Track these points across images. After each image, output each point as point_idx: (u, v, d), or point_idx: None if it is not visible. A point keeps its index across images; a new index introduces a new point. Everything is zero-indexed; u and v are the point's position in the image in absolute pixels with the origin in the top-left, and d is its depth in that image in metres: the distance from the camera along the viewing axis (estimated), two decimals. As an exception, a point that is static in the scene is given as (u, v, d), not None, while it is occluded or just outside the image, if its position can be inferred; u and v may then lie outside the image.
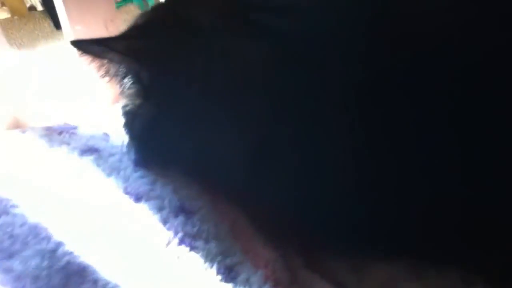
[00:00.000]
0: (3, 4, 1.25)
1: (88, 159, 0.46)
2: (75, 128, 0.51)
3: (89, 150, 0.47)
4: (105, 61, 0.42)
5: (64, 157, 0.46)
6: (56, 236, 0.39)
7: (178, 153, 0.45)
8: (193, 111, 0.42)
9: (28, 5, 1.26)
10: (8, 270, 0.36)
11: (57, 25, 1.41)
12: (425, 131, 0.38)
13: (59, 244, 0.38)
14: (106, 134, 0.50)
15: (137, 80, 0.43)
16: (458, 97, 0.37)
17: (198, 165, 0.45)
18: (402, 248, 0.43)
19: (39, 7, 1.25)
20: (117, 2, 1.79)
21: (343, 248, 0.44)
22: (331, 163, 0.39)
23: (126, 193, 0.43)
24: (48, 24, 1.17)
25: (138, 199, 0.42)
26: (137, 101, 0.44)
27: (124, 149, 0.46)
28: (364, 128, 0.38)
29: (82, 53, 0.41)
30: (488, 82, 0.37)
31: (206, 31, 0.40)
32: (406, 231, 0.40)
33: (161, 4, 0.47)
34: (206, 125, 0.42)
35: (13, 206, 0.41)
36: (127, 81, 0.43)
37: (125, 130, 0.46)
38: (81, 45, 0.41)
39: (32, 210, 0.41)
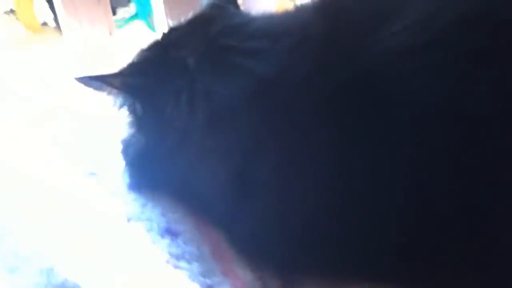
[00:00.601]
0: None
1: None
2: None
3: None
4: (105, 93, 0.47)
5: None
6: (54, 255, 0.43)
7: (165, 179, 0.48)
8: (179, 141, 0.45)
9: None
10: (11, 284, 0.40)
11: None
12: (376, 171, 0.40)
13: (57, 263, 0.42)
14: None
15: (132, 111, 0.47)
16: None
17: (183, 190, 0.48)
18: (377, 269, 0.46)
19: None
20: (117, 20, 1.83)
21: (319, 271, 0.47)
22: (304, 190, 0.42)
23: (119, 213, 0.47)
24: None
25: (129, 220, 0.46)
26: (131, 131, 0.48)
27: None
28: (330, 159, 0.41)
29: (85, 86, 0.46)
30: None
31: (192, 72, 0.44)
32: (384, 252, 0.43)
33: (156, 43, 0.51)
34: (190, 155, 0.45)
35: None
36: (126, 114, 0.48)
37: (122, 156, 0.50)
38: (84, 80, 0.45)
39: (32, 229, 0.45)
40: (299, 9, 0.51)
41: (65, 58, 0.77)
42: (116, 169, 0.52)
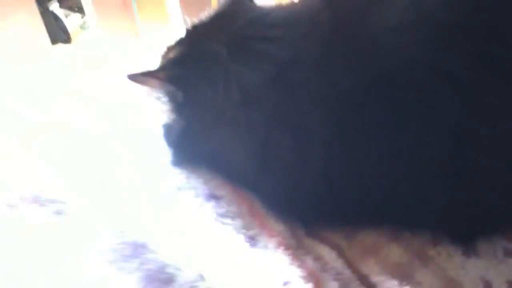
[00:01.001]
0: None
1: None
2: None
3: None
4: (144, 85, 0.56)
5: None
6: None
7: (203, 153, 0.58)
8: (215, 120, 0.55)
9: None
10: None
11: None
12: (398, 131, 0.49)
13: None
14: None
15: (173, 99, 0.57)
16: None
17: (219, 161, 0.58)
18: (382, 218, 0.55)
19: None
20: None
21: (335, 220, 0.57)
22: (317, 158, 0.51)
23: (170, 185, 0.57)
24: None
25: (178, 190, 0.56)
26: (172, 117, 0.58)
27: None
28: (342, 131, 0.51)
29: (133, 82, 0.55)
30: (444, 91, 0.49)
31: (225, 60, 0.53)
32: (384, 204, 0.52)
33: (187, 38, 0.60)
34: (224, 131, 0.55)
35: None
36: (164, 101, 0.57)
37: (164, 139, 0.60)
38: (134, 77, 0.55)
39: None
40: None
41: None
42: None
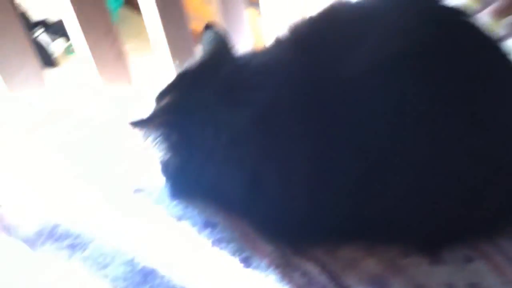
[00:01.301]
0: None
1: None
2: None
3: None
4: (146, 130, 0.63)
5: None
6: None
7: (198, 186, 0.65)
8: (207, 158, 0.62)
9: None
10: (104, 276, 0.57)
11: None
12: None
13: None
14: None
15: (168, 140, 0.64)
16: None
17: (212, 193, 0.65)
18: (359, 234, 0.63)
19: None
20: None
21: (318, 239, 0.65)
22: (299, 186, 0.59)
23: (171, 216, 0.64)
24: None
25: (179, 219, 0.64)
26: (168, 154, 0.65)
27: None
28: (319, 161, 0.58)
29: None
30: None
31: (213, 106, 0.61)
32: (360, 223, 0.60)
33: (175, 84, 0.66)
34: (216, 166, 0.62)
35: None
36: (159, 141, 0.64)
37: (162, 174, 0.67)
38: (135, 124, 0.62)
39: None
40: (280, 45, 0.66)
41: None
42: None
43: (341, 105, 0.57)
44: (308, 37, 0.64)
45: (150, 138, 0.63)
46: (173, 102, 0.63)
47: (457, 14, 0.64)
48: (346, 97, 0.57)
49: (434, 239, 0.63)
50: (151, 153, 0.66)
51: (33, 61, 0.70)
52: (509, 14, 0.86)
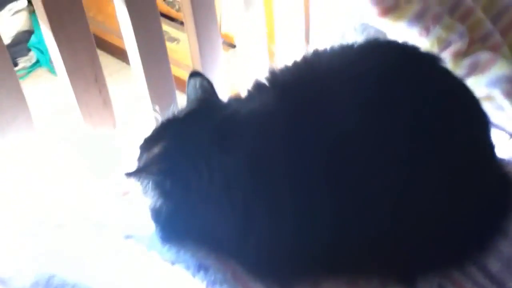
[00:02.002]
0: None
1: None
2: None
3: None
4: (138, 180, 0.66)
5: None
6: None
7: (189, 231, 0.69)
8: (200, 202, 0.65)
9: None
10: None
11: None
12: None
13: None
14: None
15: (161, 187, 0.67)
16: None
17: (203, 237, 0.69)
18: (341, 269, 0.68)
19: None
20: (19, 71, 1.94)
21: (304, 275, 0.69)
22: (285, 227, 0.63)
23: (164, 260, 0.67)
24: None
25: (173, 263, 0.67)
26: (159, 201, 0.68)
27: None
28: (306, 203, 0.62)
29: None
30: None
31: (207, 154, 0.64)
32: (341, 259, 0.65)
33: (162, 132, 0.69)
34: (208, 211, 0.66)
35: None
36: (151, 189, 0.67)
37: (152, 220, 0.70)
38: (132, 175, 0.65)
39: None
40: (262, 91, 0.71)
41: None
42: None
43: (322, 147, 0.62)
44: (290, 84, 0.69)
45: (142, 186, 0.66)
46: (166, 150, 0.67)
47: (432, 58, 0.72)
48: (326, 140, 0.63)
49: (409, 271, 0.68)
50: (139, 200, 0.69)
51: (26, 112, 0.73)
52: (467, 55, 0.94)
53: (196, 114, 0.70)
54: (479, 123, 0.72)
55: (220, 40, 1.01)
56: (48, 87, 1.96)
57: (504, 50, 0.97)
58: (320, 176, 0.62)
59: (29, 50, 2.02)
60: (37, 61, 2.03)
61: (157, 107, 0.80)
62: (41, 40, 1.96)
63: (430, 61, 0.72)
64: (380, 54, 0.70)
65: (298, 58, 0.73)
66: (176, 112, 0.72)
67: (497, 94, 0.87)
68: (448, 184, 0.64)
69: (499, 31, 0.99)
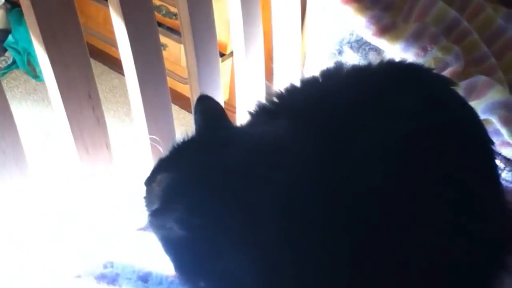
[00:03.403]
0: None
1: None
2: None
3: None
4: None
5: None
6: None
7: (209, 275, 0.60)
8: (223, 243, 0.58)
9: None
10: None
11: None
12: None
13: None
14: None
15: (184, 223, 0.58)
16: None
17: (223, 281, 0.60)
18: None
19: None
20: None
21: None
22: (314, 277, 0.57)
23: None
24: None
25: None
26: (181, 239, 0.59)
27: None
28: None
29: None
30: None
31: (231, 195, 0.57)
32: None
33: (174, 162, 0.63)
34: (230, 252, 0.57)
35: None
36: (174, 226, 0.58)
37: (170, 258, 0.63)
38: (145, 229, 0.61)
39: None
40: (275, 115, 0.65)
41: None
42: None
43: (357, 187, 0.57)
44: (305, 109, 0.64)
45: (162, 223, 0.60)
46: (187, 184, 0.59)
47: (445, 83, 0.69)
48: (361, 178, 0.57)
49: None
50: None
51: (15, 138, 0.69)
52: (463, 78, 0.94)
53: (209, 142, 0.63)
54: (489, 151, 0.70)
55: (218, 53, 0.98)
56: (25, 89, 1.89)
57: (499, 74, 0.98)
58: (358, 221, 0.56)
59: (5, 50, 1.94)
60: (14, 62, 1.95)
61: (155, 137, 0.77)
62: (19, 40, 1.89)
63: (443, 85, 0.71)
64: (401, 82, 0.67)
65: (304, 77, 0.71)
66: (186, 139, 0.65)
67: (494, 120, 0.87)
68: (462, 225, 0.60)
69: (493, 55, 1.00)
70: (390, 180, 0.58)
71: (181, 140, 0.66)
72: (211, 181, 0.58)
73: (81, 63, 0.76)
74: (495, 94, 0.91)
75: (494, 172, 0.71)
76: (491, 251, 0.65)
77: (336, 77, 0.69)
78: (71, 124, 0.77)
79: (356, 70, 0.69)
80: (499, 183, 0.73)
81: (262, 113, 0.69)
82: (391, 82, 0.67)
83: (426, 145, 0.61)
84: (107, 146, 0.82)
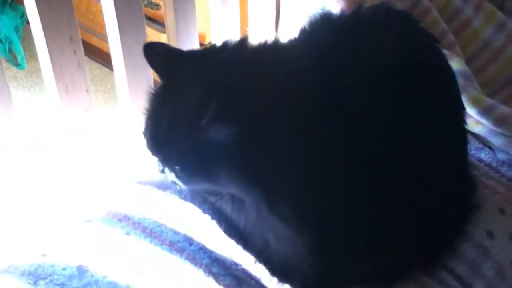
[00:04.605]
0: None
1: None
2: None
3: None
4: None
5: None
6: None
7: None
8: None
9: None
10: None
11: None
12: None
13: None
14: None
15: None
16: None
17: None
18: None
19: None
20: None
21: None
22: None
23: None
24: None
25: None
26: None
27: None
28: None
29: None
30: None
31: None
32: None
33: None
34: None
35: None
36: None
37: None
38: None
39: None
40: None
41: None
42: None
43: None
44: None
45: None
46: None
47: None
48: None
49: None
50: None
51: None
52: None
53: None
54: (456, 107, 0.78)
55: (197, 39, 1.04)
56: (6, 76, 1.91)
57: (457, 49, 1.05)
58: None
59: (-14, 39, 1.96)
60: (-6, 49, 1.97)
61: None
62: (1, 29, 1.91)
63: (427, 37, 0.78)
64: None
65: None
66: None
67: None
68: (424, 181, 0.67)
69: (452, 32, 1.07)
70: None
71: None
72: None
73: (64, 5, 0.80)
74: (455, 65, 0.97)
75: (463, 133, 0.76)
76: (450, 214, 0.70)
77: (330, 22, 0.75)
78: (53, 63, 0.81)
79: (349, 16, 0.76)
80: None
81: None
82: (379, 25, 0.73)
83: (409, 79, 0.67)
84: (87, 90, 0.85)
